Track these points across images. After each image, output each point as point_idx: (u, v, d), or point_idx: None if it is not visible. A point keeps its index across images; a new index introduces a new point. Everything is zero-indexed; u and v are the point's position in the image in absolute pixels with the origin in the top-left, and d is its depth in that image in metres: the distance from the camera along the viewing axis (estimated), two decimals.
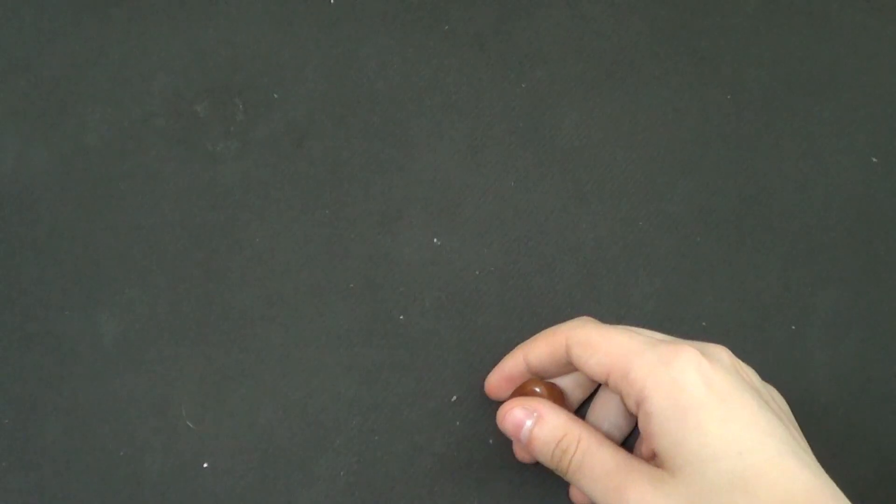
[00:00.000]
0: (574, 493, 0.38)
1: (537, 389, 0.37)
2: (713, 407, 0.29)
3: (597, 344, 0.33)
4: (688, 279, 0.43)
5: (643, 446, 0.34)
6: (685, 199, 0.44)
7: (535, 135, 0.45)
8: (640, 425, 0.32)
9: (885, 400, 0.42)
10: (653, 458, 0.32)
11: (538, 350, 0.36)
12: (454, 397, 0.41)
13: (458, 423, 0.40)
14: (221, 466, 0.39)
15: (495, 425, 0.40)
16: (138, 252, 0.42)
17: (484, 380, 0.40)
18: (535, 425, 0.34)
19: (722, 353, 0.32)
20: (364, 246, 0.43)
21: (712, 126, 0.45)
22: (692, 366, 0.30)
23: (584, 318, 0.38)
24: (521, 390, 0.38)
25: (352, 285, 0.42)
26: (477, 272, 0.42)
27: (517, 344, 0.41)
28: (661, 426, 0.30)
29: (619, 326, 0.35)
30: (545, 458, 0.34)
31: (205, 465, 0.39)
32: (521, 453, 0.38)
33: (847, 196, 0.44)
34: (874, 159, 0.45)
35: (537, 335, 0.37)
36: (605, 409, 0.37)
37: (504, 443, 0.40)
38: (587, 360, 0.33)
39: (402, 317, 0.42)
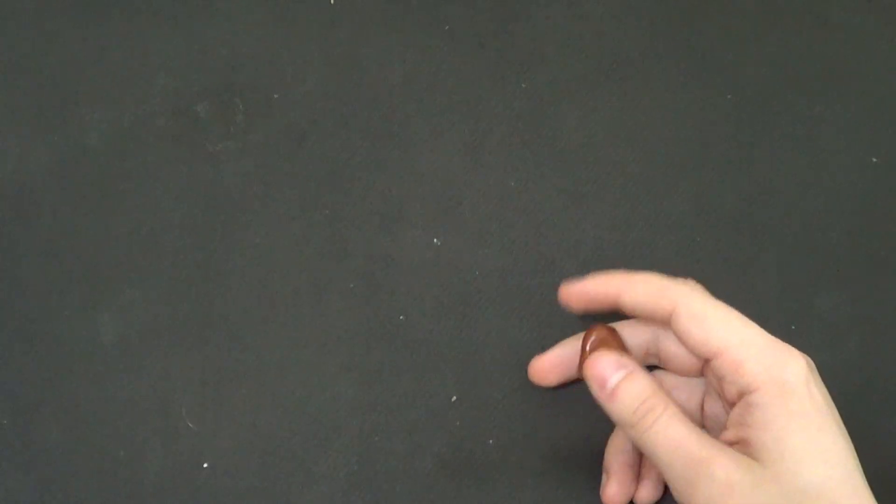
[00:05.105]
0: (609, 493, 0.38)
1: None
2: (814, 415, 0.31)
3: (711, 323, 0.33)
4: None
5: (724, 434, 0.34)
6: (685, 199, 0.44)
7: (535, 135, 0.45)
8: (734, 412, 0.33)
9: (885, 400, 0.41)
10: (733, 446, 0.33)
11: (638, 297, 0.35)
12: (454, 397, 0.41)
13: (458, 423, 0.40)
14: (221, 466, 0.39)
15: (495, 425, 0.40)
16: (138, 252, 0.42)
17: (484, 379, 0.40)
18: (626, 378, 0.34)
19: (812, 363, 0.33)
20: (364, 246, 0.43)
21: (712, 126, 0.45)
22: (803, 373, 0.32)
23: (691, 281, 0.37)
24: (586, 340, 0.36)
25: (352, 285, 0.42)
26: (477, 272, 0.42)
27: (517, 344, 0.41)
28: (767, 419, 0.31)
29: (726, 306, 0.34)
30: (626, 413, 0.33)
31: (205, 465, 0.39)
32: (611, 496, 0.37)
33: (847, 196, 0.44)
34: (874, 159, 0.45)
35: (640, 278, 0.35)
36: None
37: (504, 443, 0.40)
38: (695, 334, 0.33)
39: (402, 317, 0.42)
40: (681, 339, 0.34)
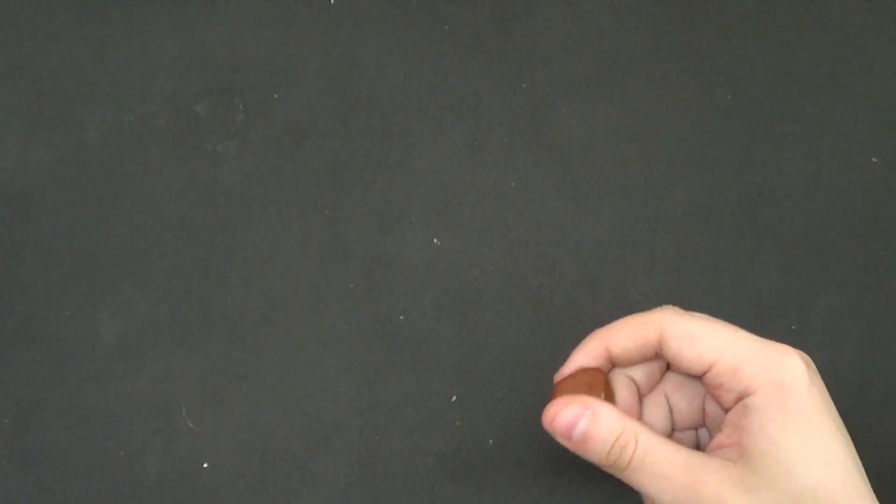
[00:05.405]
0: None
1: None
2: (812, 414, 0.31)
3: (700, 338, 0.33)
4: (688, 279, 0.43)
5: (718, 436, 0.33)
6: (685, 199, 0.44)
7: (535, 135, 0.45)
8: (730, 417, 0.32)
9: (885, 400, 0.41)
10: (719, 449, 0.32)
11: (625, 341, 0.34)
12: (454, 397, 0.41)
13: (457, 423, 0.40)
14: (221, 466, 0.39)
15: (495, 425, 0.40)
16: (138, 252, 0.42)
17: (484, 379, 0.40)
18: (590, 422, 0.33)
19: (810, 361, 0.33)
20: (364, 246, 0.43)
21: (712, 126, 0.45)
22: (802, 372, 0.32)
23: (669, 306, 0.36)
24: (568, 390, 0.35)
25: (352, 285, 0.42)
26: (477, 272, 0.42)
27: (517, 344, 0.41)
28: (763, 422, 0.31)
29: (708, 317, 0.34)
30: (600, 457, 0.33)
31: (205, 465, 0.39)
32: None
33: (847, 196, 0.44)
34: (874, 159, 0.45)
35: (617, 323, 0.35)
36: (656, 412, 0.36)
37: (504, 443, 0.40)
38: (688, 352, 0.33)
39: (402, 317, 0.42)
40: (674, 363, 0.34)
